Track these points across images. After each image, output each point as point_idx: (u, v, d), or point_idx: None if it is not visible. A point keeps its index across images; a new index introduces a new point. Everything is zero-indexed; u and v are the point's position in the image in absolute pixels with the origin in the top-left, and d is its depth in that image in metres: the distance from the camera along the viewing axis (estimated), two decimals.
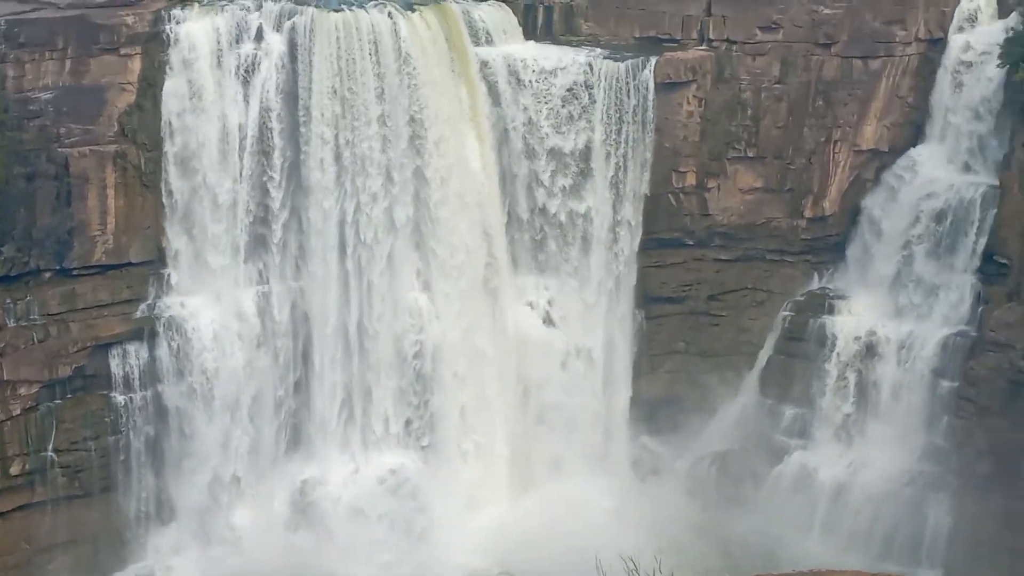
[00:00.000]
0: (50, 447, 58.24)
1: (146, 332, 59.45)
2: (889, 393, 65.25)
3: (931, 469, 63.42)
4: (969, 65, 64.97)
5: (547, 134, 64.78)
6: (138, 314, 59.57)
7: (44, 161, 56.59)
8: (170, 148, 58.84)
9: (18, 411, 57.24)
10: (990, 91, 64.21)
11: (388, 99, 60.30)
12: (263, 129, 59.44)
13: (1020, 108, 62.18)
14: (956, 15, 65.35)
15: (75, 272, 58.41)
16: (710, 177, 67.21)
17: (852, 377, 66.11)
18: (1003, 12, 65.03)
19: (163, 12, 58.71)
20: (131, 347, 59.31)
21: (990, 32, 64.59)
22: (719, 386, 68.15)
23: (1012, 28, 63.10)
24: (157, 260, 59.82)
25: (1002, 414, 60.40)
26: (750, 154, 66.87)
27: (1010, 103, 63.15)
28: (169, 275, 60.00)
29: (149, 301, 59.81)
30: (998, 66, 63.10)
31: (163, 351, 59.60)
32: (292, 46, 59.32)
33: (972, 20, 65.38)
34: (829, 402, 66.29)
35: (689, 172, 66.97)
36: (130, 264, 59.41)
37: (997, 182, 63.58)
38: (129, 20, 57.64)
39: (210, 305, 60.13)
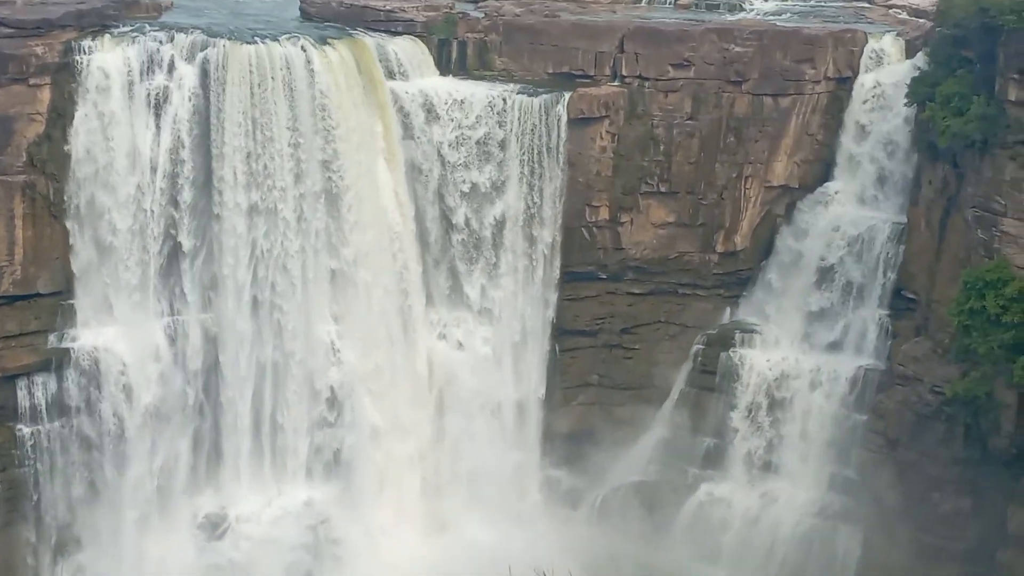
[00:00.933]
0: None
1: (54, 363, 58.93)
2: (799, 426, 65.92)
3: (841, 501, 64.10)
4: (877, 103, 66.00)
5: (461, 168, 65.10)
6: (46, 345, 58.99)
7: None
8: (79, 179, 58.42)
9: None
10: (897, 129, 65.38)
11: (301, 132, 60.33)
12: (174, 161, 59.20)
13: (926, 146, 63.30)
14: (864, 55, 66.54)
15: None
16: (623, 211, 67.79)
17: (763, 410, 66.61)
18: (910, 52, 66.30)
19: (73, 43, 58.48)
20: (39, 379, 58.78)
21: (897, 71, 65.87)
22: (633, 419, 68.51)
23: (919, 68, 64.24)
24: (66, 291, 59.31)
25: (910, 446, 61.15)
26: (663, 189, 67.54)
27: (916, 141, 64.28)
28: (78, 306, 59.44)
29: (57, 332, 59.24)
30: (905, 104, 64.22)
31: (71, 383, 59.09)
32: (204, 78, 59.20)
33: (880, 60, 66.54)
34: (740, 435, 66.79)
35: (602, 206, 67.50)
36: (38, 295, 58.90)
37: (905, 218, 64.55)
38: (39, 50, 57.36)
39: (120, 336, 59.70)
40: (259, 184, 60.17)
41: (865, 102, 66.45)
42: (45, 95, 57.73)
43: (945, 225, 62.27)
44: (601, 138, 66.60)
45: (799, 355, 66.51)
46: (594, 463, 68.32)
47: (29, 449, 58.64)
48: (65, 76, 58.02)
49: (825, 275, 66.11)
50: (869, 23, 71.45)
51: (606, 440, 68.42)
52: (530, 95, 65.20)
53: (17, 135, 57.33)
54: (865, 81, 66.53)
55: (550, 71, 67.10)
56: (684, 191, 67.63)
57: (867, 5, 76.87)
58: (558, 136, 65.46)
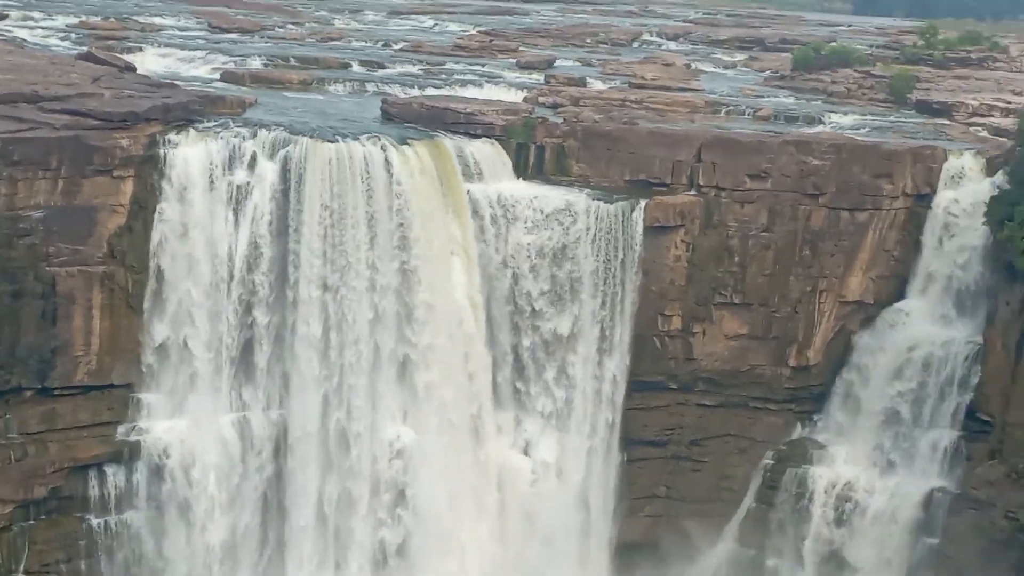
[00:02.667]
0: (21, 568, 57.65)
1: (124, 455, 59.27)
2: (869, 547, 65.14)
3: None
4: (955, 221, 65.90)
5: (536, 273, 65.29)
6: (117, 436, 59.38)
7: (32, 279, 56.74)
8: (157, 271, 59.05)
9: None
10: (975, 248, 65.14)
11: (378, 231, 60.86)
12: (252, 257, 59.86)
13: (1004, 266, 63.13)
14: (944, 171, 66.59)
15: (56, 392, 58.28)
16: (696, 322, 67.78)
17: (832, 530, 65.98)
18: (990, 170, 66.30)
19: (158, 136, 59.34)
20: (109, 470, 59.12)
21: (976, 190, 65.82)
22: (699, 533, 68.01)
23: (998, 186, 64.23)
24: (139, 383, 59.77)
25: (982, 572, 60.27)
26: (736, 300, 67.56)
27: (994, 260, 64.10)
28: (150, 398, 59.84)
29: (129, 424, 59.62)
30: (983, 223, 64.08)
31: (140, 476, 59.34)
32: (284, 175, 59.95)
33: (959, 177, 66.58)
34: (809, 553, 66.10)
35: (675, 316, 67.54)
36: (112, 386, 59.37)
37: (981, 339, 64.18)
38: (124, 143, 58.15)
39: (190, 430, 60.01)
40: (335, 283, 60.63)
41: (943, 220, 66.31)
42: (128, 187, 58.45)
43: (1022, 347, 61.89)
44: (676, 247, 66.79)
45: (870, 474, 66.07)
46: None
47: (97, 541, 58.83)
48: (148, 169, 58.78)
49: (898, 394, 65.70)
50: (949, 140, 71.52)
51: (672, 554, 67.96)
52: (607, 201, 65.59)
53: (99, 226, 58.04)
54: (943, 198, 66.49)
55: (627, 178, 67.48)
56: (758, 303, 67.65)
57: (947, 122, 76.96)
58: (633, 243, 65.66)
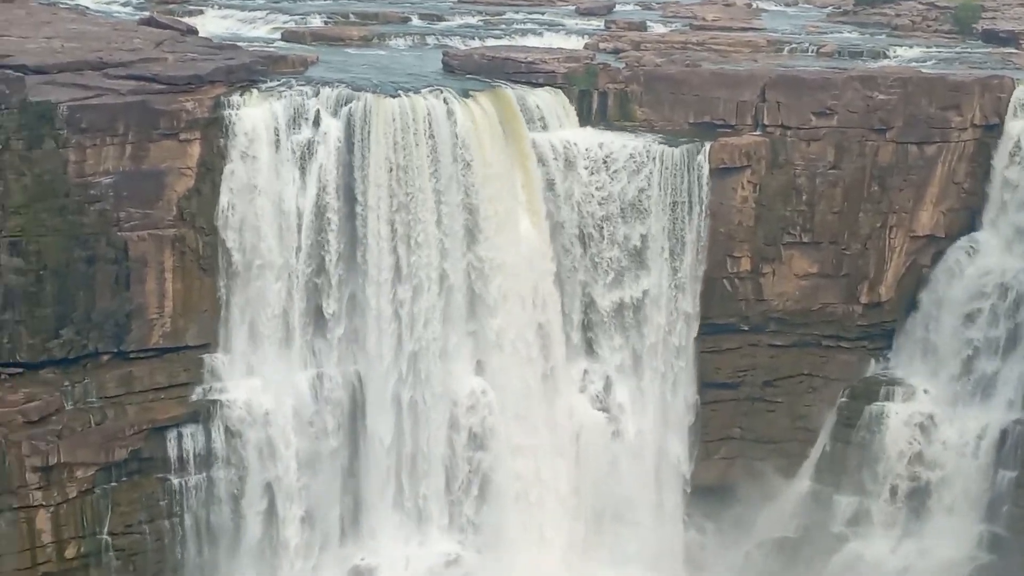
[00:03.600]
0: (105, 530, 58.32)
1: (202, 415, 59.68)
2: (947, 482, 64.71)
3: (991, 559, 62.80)
4: None
5: (602, 220, 65.01)
6: (194, 397, 59.77)
7: (104, 245, 57.09)
8: (228, 232, 59.26)
9: (74, 494, 57.35)
10: None
11: (444, 185, 60.77)
12: (320, 215, 59.82)
13: None
14: (1012, 101, 65.57)
15: (132, 355, 58.76)
16: (765, 262, 67.31)
17: (910, 465, 65.57)
18: None
19: (222, 98, 59.33)
20: (187, 430, 59.51)
21: None
22: (774, 473, 67.84)
23: None
24: (213, 344, 60.11)
25: None
26: (805, 239, 67.01)
27: None
28: (225, 359, 60.25)
29: (205, 384, 60.02)
30: None
31: (218, 435, 59.79)
32: (349, 131, 59.86)
33: None
34: (886, 490, 65.73)
35: (744, 257, 67.09)
36: (187, 347, 59.72)
37: None
38: (189, 106, 58.22)
39: (265, 389, 60.36)
40: (403, 237, 60.65)
41: (1012, 149, 65.36)
42: (195, 150, 58.55)
43: None
44: (743, 188, 66.27)
45: (947, 408, 65.53)
46: (737, 518, 67.69)
47: (178, 500, 59.44)
48: (214, 131, 58.81)
49: (973, 326, 65.03)
50: (1017, 69, 70.42)
51: (748, 495, 67.82)
52: (671, 145, 65.08)
53: (168, 189, 58.26)
54: (1013, 128, 65.49)
55: (691, 121, 66.95)
56: (827, 241, 67.04)
57: (1015, 51, 75.77)
58: (699, 186, 65.20)
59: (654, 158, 64.67)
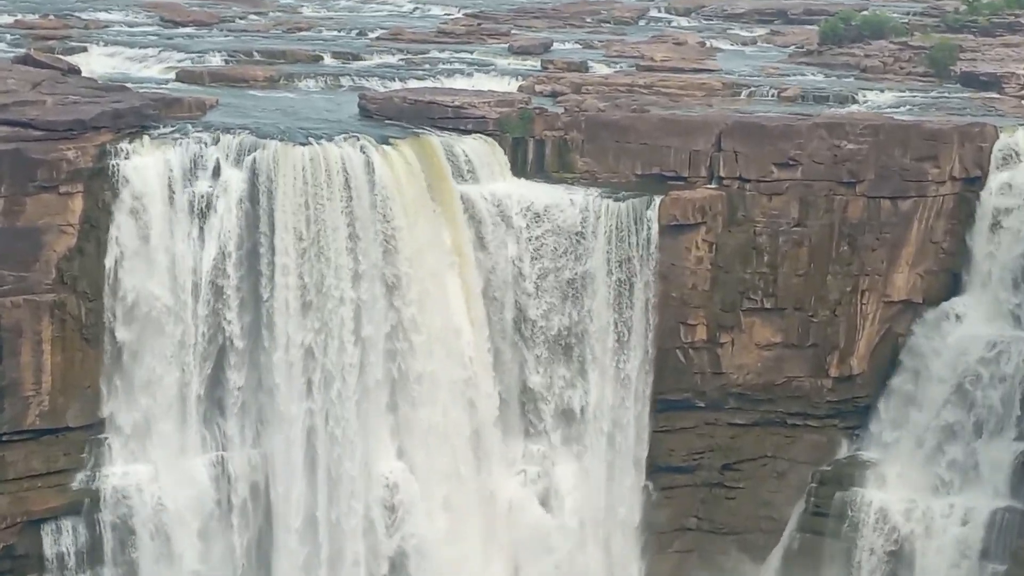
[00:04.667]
0: None
1: (84, 507, 59.30)
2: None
3: None
4: (1010, 205, 65.95)
5: (539, 281, 65.47)
6: (75, 486, 59.45)
7: None
8: (114, 297, 59.26)
9: None
10: None
11: (360, 242, 61.04)
12: (219, 276, 60.01)
13: None
14: (995, 151, 66.65)
15: (5, 438, 58.31)
16: (723, 331, 67.87)
17: (887, 558, 66.07)
18: None
19: (109, 146, 59.57)
20: (67, 524, 59.14)
21: None
22: (737, 568, 68.08)
23: None
24: (98, 424, 59.89)
25: None
26: (767, 305, 67.62)
27: None
28: (111, 441, 59.99)
29: (88, 471, 59.69)
30: None
31: (103, 529, 59.39)
32: (253, 184, 60.14)
33: (1013, 156, 66.63)
34: None
35: (699, 325, 67.57)
36: (67, 429, 59.43)
37: None
38: (70, 155, 58.39)
39: (158, 476, 60.13)
40: (313, 303, 60.78)
41: (996, 205, 66.37)
42: (77, 204, 58.68)
43: None
44: (697, 247, 66.89)
45: (926, 494, 66.10)
46: None
47: None
48: (100, 183, 59.00)
49: (954, 403, 65.76)
50: (999, 115, 71.72)
51: None
52: (617, 199, 65.78)
53: (46, 249, 58.25)
54: (996, 180, 66.55)
55: (639, 172, 67.69)
56: (792, 307, 67.67)
57: (996, 96, 77.18)
58: (648, 245, 65.82)
59: (597, 213, 65.25)
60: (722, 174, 67.24)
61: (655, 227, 65.74)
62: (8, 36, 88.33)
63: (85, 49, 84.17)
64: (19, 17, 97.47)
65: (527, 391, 66.63)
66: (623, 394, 66.73)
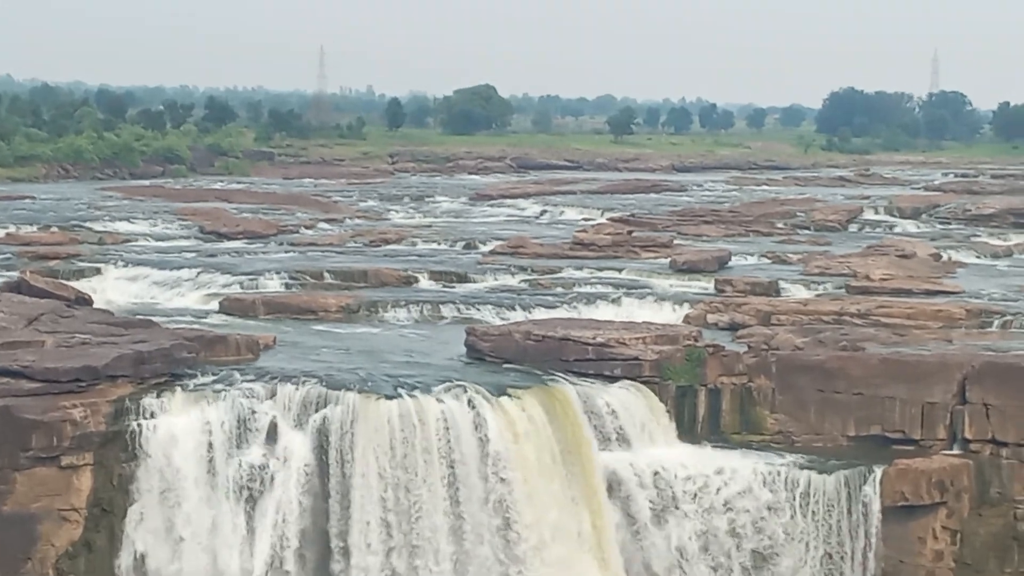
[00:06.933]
0: None
1: None
2: None
3: None
4: None
5: None
6: None
7: None
8: None
9: None
10: None
11: (468, 530, 61.32)
12: None
13: None
14: None
15: None
16: None
17: None
18: None
19: (128, 402, 60.49)
20: None
21: None
22: None
23: None
24: None
25: None
26: None
27: None
28: None
29: None
30: None
31: None
32: (322, 452, 60.71)
33: None
34: None
35: None
36: None
37: None
38: (76, 414, 59.21)
39: None
40: None
41: None
42: (84, 482, 59.48)
43: None
44: (935, 537, 66.31)
45: None
46: None
47: None
48: (114, 452, 59.86)
49: None
50: None
51: None
52: (822, 471, 65.61)
53: (41, 543, 58.88)
54: None
55: (851, 433, 67.86)
56: None
57: None
58: (866, 535, 65.34)
59: (795, 491, 65.08)
60: (968, 435, 67.06)
61: (875, 509, 65.35)
62: None
63: (98, 271, 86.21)
64: (11, 230, 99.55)
65: None
66: None
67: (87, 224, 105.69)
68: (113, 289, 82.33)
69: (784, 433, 68.10)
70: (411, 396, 62.08)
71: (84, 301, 73.82)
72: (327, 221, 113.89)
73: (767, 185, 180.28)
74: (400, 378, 64.31)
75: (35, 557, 58.75)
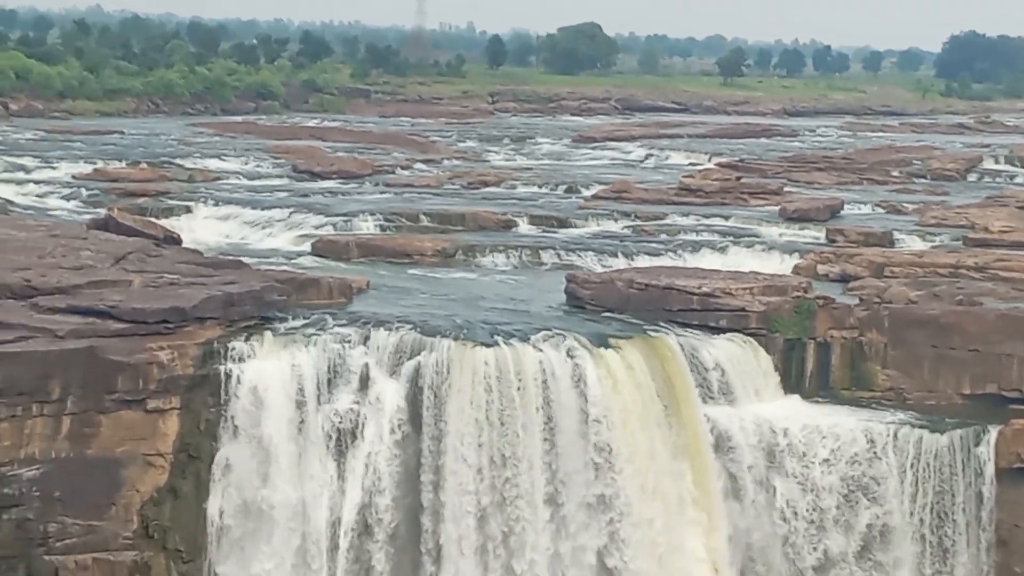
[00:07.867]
0: None
1: None
2: None
3: None
4: None
5: (819, 547, 64.96)
6: None
7: (22, 575, 57.79)
8: (220, 561, 59.96)
9: None
10: None
11: (564, 482, 61.51)
12: (367, 527, 60.65)
13: None
14: None
15: None
16: None
17: None
18: None
19: (216, 344, 60.77)
20: None
21: None
22: None
23: None
24: None
25: None
26: None
27: None
28: None
29: None
30: None
31: None
32: (414, 399, 60.96)
33: None
34: None
35: None
36: None
37: None
38: (163, 356, 59.52)
39: None
40: (496, 565, 61.19)
41: None
42: (171, 426, 59.81)
43: None
44: None
45: None
46: None
47: None
48: (201, 397, 60.14)
49: None
50: None
51: None
52: (934, 430, 65.39)
53: (126, 488, 59.23)
54: None
55: (965, 392, 67.66)
56: None
57: None
58: (979, 496, 65.09)
59: (904, 450, 64.87)
60: None
61: (991, 471, 65.04)
62: (84, 191, 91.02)
63: (188, 210, 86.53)
64: (99, 165, 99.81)
65: None
66: None
67: (177, 161, 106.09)
68: (203, 228, 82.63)
69: (896, 390, 67.93)
70: (508, 344, 62.14)
71: (173, 240, 74.07)
72: (424, 162, 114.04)
73: (882, 131, 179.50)
74: (497, 325, 64.44)
75: (119, 503, 59.07)
